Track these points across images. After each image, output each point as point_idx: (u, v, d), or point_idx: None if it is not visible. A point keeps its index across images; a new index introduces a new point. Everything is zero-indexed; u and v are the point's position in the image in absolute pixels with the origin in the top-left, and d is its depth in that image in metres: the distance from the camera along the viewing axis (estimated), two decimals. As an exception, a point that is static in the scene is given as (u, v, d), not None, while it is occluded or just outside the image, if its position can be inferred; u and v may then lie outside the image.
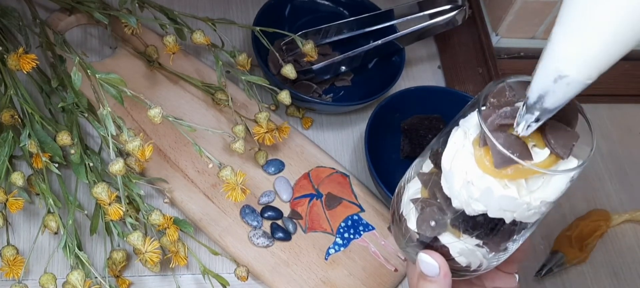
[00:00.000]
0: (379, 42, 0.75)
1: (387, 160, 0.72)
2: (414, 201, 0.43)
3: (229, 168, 0.59)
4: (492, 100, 0.40)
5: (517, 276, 0.49)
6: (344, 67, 0.77)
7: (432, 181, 0.42)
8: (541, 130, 0.39)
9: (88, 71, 0.57)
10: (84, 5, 0.71)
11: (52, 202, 0.57)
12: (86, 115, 0.63)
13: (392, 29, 0.76)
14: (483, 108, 0.40)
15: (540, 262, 0.72)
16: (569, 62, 0.35)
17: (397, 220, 0.45)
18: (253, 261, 0.63)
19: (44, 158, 0.58)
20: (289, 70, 0.69)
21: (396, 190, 0.46)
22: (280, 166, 0.70)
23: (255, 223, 0.65)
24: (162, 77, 0.73)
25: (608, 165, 0.82)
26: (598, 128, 0.84)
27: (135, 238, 0.55)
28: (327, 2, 0.80)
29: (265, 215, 0.66)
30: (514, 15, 0.77)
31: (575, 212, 0.76)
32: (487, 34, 0.80)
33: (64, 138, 0.59)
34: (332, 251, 0.66)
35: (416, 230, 0.43)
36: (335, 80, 0.79)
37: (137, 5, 0.71)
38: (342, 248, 0.66)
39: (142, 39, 0.72)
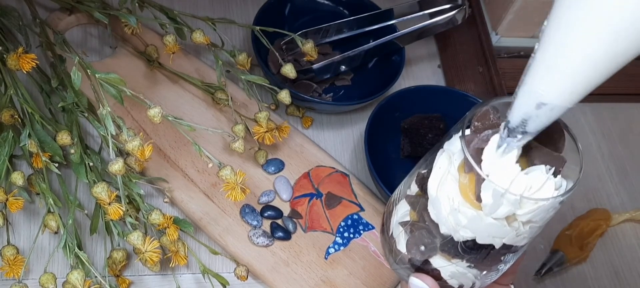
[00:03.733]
0: (379, 41, 0.75)
1: (387, 160, 0.72)
2: (403, 224, 0.42)
3: (229, 168, 0.59)
4: (476, 123, 0.39)
5: (512, 287, 0.48)
6: (344, 67, 0.77)
7: (420, 204, 0.41)
8: (527, 155, 0.38)
9: (88, 71, 0.57)
10: (84, 4, 0.71)
11: (52, 202, 0.57)
12: (86, 114, 0.63)
13: (392, 28, 0.76)
14: (467, 131, 0.39)
15: (540, 261, 0.72)
16: (550, 90, 0.34)
17: (386, 240, 0.44)
18: (253, 260, 0.63)
19: (44, 158, 0.58)
20: (288, 70, 0.69)
21: (385, 210, 0.45)
22: (280, 165, 0.70)
23: (255, 223, 0.65)
24: (162, 77, 0.73)
25: (608, 165, 0.82)
26: (599, 127, 0.84)
27: (135, 237, 0.55)
28: (327, 2, 0.80)
29: (265, 214, 0.66)
30: (514, 14, 0.77)
31: (575, 211, 0.76)
32: (487, 33, 0.80)
33: (64, 138, 0.59)
34: (332, 250, 0.66)
35: (406, 254, 0.42)
36: (335, 79, 0.79)
37: (137, 4, 0.71)
38: (342, 248, 0.66)
39: (142, 38, 0.72)
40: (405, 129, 0.75)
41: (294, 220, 0.67)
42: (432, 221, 0.39)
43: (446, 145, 0.40)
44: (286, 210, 0.67)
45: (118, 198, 0.56)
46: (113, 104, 0.59)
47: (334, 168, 0.71)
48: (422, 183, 0.40)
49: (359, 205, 0.69)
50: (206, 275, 0.59)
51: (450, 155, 0.39)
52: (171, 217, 0.59)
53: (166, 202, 0.66)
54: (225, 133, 0.67)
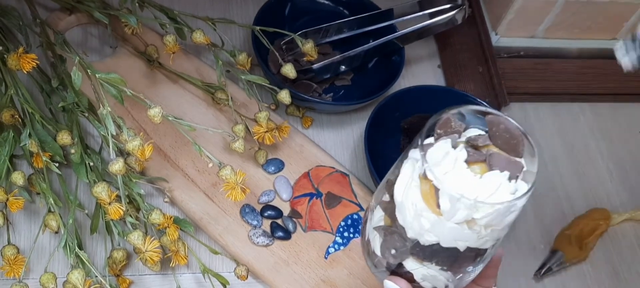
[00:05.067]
0: (379, 41, 0.75)
1: (387, 160, 0.72)
2: (377, 229, 0.44)
3: (229, 168, 0.59)
4: (438, 131, 0.41)
5: None
6: (343, 67, 0.77)
7: (390, 209, 0.42)
8: (486, 162, 0.39)
9: (88, 71, 0.57)
10: (84, 4, 0.71)
11: (52, 202, 0.57)
12: (86, 114, 0.63)
13: (392, 28, 0.76)
14: (429, 140, 0.40)
15: (540, 261, 0.72)
16: None
17: (365, 246, 0.46)
18: (253, 260, 0.63)
19: (44, 158, 0.58)
20: (288, 70, 0.69)
21: (363, 217, 0.47)
22: (280, 165, 0.70)
23: (255, 223, 0.65)
24: (162, 77, 0.73)
25: (608, 164, 0.82)
26: (598, 127, 0.84)
27: (136, 237, 0.55)
28: (327, 2, 0.80)
29: (265, 214, 0.66)
30: (514, 14, 0.77)
31: (575, 211, 0.76)
32: (487, 33, 0.80)
33: (65, 137, 0.59)
34: (332, 250, 0.66)
35: (381, 257, 0.44)
36: (335, 79, 0.79)
37: (137, 4, 0.71)
38: (342, 247, 0.66)
39: (142, 38, 0.72)
40: (405, 128, 0.75)
41: (294, 219, 0.67)
42: (401, 225, 0.41)
43: (410, 153, 0.41)
44: (286, 210, 0.67)
45: (118, 198, 0.56)
46: (113, 103, 0.59)
47: (333, 168, 0.71)
48: (390, 189, 0.42)
49: (359, 205, 0.69)
50: (206, 275, 0.60)
51: (413, 163, 0.41)
52: (171, 217, 0.59)
53: (166, 202, 0.66)
54: (225, 133, 0.67)
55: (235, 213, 0.65)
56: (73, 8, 0.73)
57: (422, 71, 0.83)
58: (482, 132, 0.41)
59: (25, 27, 0.70)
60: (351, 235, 0.67)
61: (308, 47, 0.70)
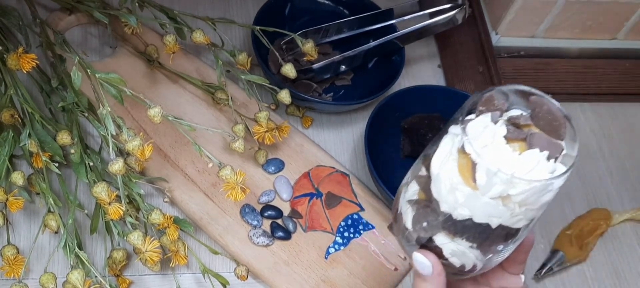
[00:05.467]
0: (379, 41, 0.75)
1: (387, 160, 0.72)
2: (410, 202, 0.44)
3: (229, 168, 0.59)
4: (481, 108, 0.41)
5: (523, 277, 0.49)
6: (344, 66, 0.77)
7: (425, 184, 0.43)
8: (526, 141, 0.39)
9: (88, 71, 0.57)
10: (84, 4, 0.71)
11: (52, 202, 0.57)
12: (86, 114, 0.63)
13: (392, 28, 0.76)
14: (470, 116, 0.41)
15: (540, 261, 0.72)
16: None
17: (397, 220, 0.46)
18: (253, 260, 0.63)
19: (44, 158, 0.58)
20: (288, 70, 0.69)
21: (397, 191, 0.47)
22: (280, 165, 0.70)
23: (255, 223, 0.65)
24: (162, 77, 0.73)
25: (609, 164, 0.82)
26: (599, 127, 0.84)
27: (136, 237, 0.55)
28: (327, 2, 0.80)
29: (265, 214, 0.66)
30: (514, 14, 0.77)
31: (575, 211, 0.76)
32: (487, 33, 0.80)
33: (64, 137, 0.59)
34: (332, 250, 0.66)
35: (412, 230, 0.44)
36: (335, 79, 0.79)
37: (137, 4, 0.71)
38: (342, 248, 0.66)
39: (142, 38, 0.72)
40: (405, 128, 0.75)
41: (294, 219, 0.67)
42: (435, 199, 0.41)
43: (451, 128, 0.42)
44: (286, 210, 0.67)
45: (118, 198, 0.56)
46: (113, 103, 0.59)
47: (334, 168, 0.71)
48: (427, 162, 0.43)
49: (359, 205, 0.69)
50: (206, 275, 0.59)
51: (453, 137, 0.41)
52: (171, 217, 0.59)
53: (166, 202, 0.66)
54: (225, 133, 0.67)
55: (235, 213, 0.65)
56: (73, 8, 0.73)
57: (422, 71, 0.83)
58: (524, 113, 0.41)
59: (25, 27, 0.70)
60: (351, 235, 0.67)
61: (308, 47, 0.70)
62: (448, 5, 0.73)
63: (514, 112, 0.41)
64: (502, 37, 0.80)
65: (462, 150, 0.39)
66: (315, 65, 0.75)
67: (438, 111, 0.74)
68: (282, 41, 0.75)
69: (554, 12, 0.77)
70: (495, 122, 0.40)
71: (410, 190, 0.45)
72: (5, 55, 0.59)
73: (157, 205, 0.64)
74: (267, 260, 0.64)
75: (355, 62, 0.77)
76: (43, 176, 0.59)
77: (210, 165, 0.59)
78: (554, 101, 0.41)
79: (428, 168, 0.42)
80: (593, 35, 0.82)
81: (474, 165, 0.38)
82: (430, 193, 0.42)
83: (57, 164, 0.59)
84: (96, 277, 0.55)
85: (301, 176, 0.70)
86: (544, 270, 0.71)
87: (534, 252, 0.73)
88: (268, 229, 0.65)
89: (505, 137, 0.39)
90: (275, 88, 0.70)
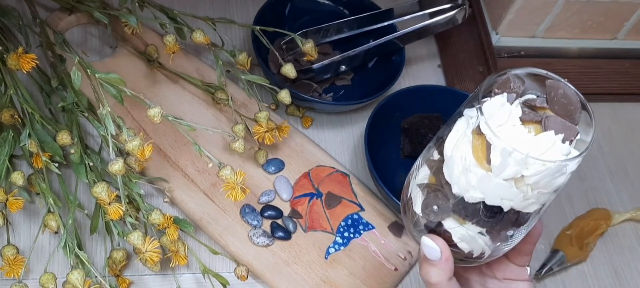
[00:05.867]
0: (379, 41, 0.75)
1: (387, 160, 0.72)
2: (420, 186, 0.44)
3: (229, 168, 0.59)
4: (496, 91, 0.41)
5: (528, 268, 0.49)
6: (344, 66, 0.77)
7: (437, 167, 0.43)
8: (542, 123, 0.40)
9: (88, 70, 0.57)
10: (84, 4, 0.71)
11: (52, 202, 0.57)
12: (86, 114, 0.63)
13: (392, 28, 0.76)
14: (486, 100, 0.41)
15: (540, 260, 0.72)
16: None
17: (406, 205, 0.46)
18: (253, 260, 0.63)
19: (44, 158, 0.58)
20: (288, 70, 0.69)
21: (407, 177, 0.47)
22: (280, 165, 0.70)
23: (255, 223, 0.65)
24: (162, 77, 0.73)
25: (609, 164, 0.82)
26: (599, 127, 0.84)
27: (136, 237, 0.55)
28: (327, 1, 0.80)
29: (265, 214, 0.66)
30: (514, 13, 0.77)
31: (575, 211, 0.76)
32: (487, 33, 0.80)
33: (64, 137, 0.59)
34: (332, 250, 0.66)
35: (421, 215, 0.44)
36: (335, 79, 0.79)
37: (137, 4, 0.71)
38: (342, 248, 0.66)
39: (142, 38, 0.72)
40: (405, 128, 0.75)
41: (294, 220, 0.67)
42: (446, 182, 0.41)
43: (465, 111, 0.42)
44: (286, 210, 0.67)
45: (118, 198, 0.56)
46: (113, 103, 0.59)
47: (334, 168, 0.71)
48: (440, 145, 0.43)
49: (359, 205, 0.69)
50: (206, 275, 0.59)
51: (467, 119, 0.41)
52: (171, 217, 0.59)
53: (166, 202, 0.66)
54: (225, 133, 0.67)
55: (235, 213, 0.65)
56: (73, 8, 0.73)
57: (422, 71, 0.83)
58: (540, 96, 0.41)
59: (25, 27, 0.70)
60: (351, 235, 0.67)
61: (308, 46, 0.70)
62: (448, 5, 0.73)
63: (529, 96, 0.41)
64: (502, 37, 0.80)
65: (477, 132, 0.39)
66: (315, 65, 0.75)
67: (438, 111, 0.74)
68: (282, 41, 0.75)
69: (554, 12, 0.77)
70: (511, 103, 0.40)
71: (420, 174, 0.45)
72: (5, 55, 0.59)
73: (157, 205, 0.64)
74: (267, 260, 0.64)
75: (355, 62, 0.77)
76: (43, 176, 0.59)
77: (210, 165, 0.59)
78: (570, 85, 0.41)
79: (441, 152, 0.42)
80: (593, 35, 0.82)
81: (488, 146, 0.39)
82: (442, 177, 0.42)
83: (57, 164, 0.59)
84: (96, 277, 0.55)
85: (301, 176, 0.70)
86: (544, 270, 0.71)
87: (534, 252, 0.73)
88: (268, 229, 0.65)
89: (520, 118, 0.39)
90: (275, 88, 0.70)
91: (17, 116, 0.60)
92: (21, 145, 0.59)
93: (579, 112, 0.40)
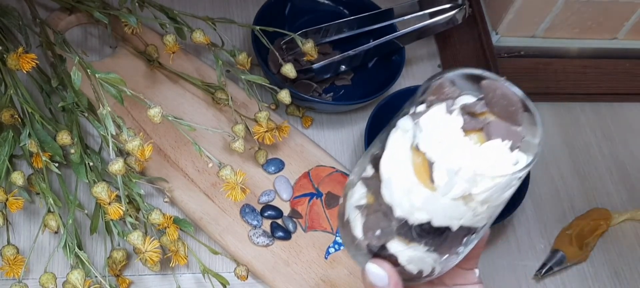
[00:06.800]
0: (379, 41, 0.75)
1: (387, 159, 0.72)
2: (359, 207, 0.40)
3: (229, 168, 0.59)
4: (431, 98, 0.37)
5: (477, 271, 0.46)
6: (344, 66, 0.77)
7: (374, 186, 0.39)
8: (483, 130, 0.36)
9: (88, 70, 0.57)
10: (84, 4, 0.71)
11: (52, 202, 0.57)
12: (86, 114, 0.63)
13: (392, 28, 0.76)
14: (420, 108, 0.37)
15: (540, 260, 0.72)
16: None
17: (344, 227, 0.42)
18: (253, 260, 0.63)
19: (44, 158, 0.58)
20: (288, 69, 0.69)
21: (343, 194, 0.42)
22: (280, 165, 0.69)
23: (255, 223, 0.65)
24: (162, 77, 0.73)
25: (609, 164, 0.81)
26: (599, 127, 0.84)
27: (135, 237, 0.55)
28: (327, 1, 0.80)
29: (265, 214, 0.66)
30: (514, 13, 0.77)
31: (575, 211, 0.76)
32: (487, 33, 0.80)
33: (64, 137, 0.59)
34: (332, 250, 0.66)
35: (362, 239, 0.40)
36: (336, 79, 0.79)
37: (137, 4, 0.71)
38: (342, 247, 0.66)
39: (142, 38, 0.72)
40: (405, 128, 0.75)
41: (294, 219, 0.67)
42: (387, 203, 0.37)
43: (399, 122, 0.38)
44: (286, 209, 0.67)
45: (118, 198, 0.56)
46: (113, 103, 0.59)
47: (334, 168, 0.71)
48: (376, 162, 0.38)
49: (359, 205, 0.69)
50: (206, 275, 0.59)
51: (403, 132, 0.37)
52: (171, 217, 0.59)
53: (166, 202, 0.66)
54: (225, 133, 0.67)
55: (235, 213, 0.65)
56: (73, 8, 0.73)
57: (422, 71, 0.83)
58: (477, 99, 0.37)
59: (25, 27, 0.70)
60: (351, 235, 0.67)
61: (308, 46, 0.70)
62: (448, 5, 0.73)
63: (467, 98, 0.37)
64: (502, 37, 0.80)
65: (416, 148, 0.35)
66: (315, 65, 0.75)
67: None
68: (282, 41, 0.75)
69: (554, 12, 0.77)
70: (451, 113, 0.36)
71: (356, 193, 0.40)
72: (5, 55, 0.59)
73: (157, 205, 0.64)
74: (267, 260, 0.64)
75: (355, 62, 0.77)
76: (43, 176, 0.59)
77: (210, 165, 0.59)
78: (507, 83, 0.37)
79: (376, 169, 0.38)
80: (593, 35, 0.82)
81: (430, 163, 0.35)
82: (381, 197, 0.38)
83: (57, 164, 0.59)
84: (96, 277, 0.55)
85: (301, 176, 0.70)
86: (544, 270, 0.71)
87: (534, 251, 0.73)
88: (268, 229, 0.65)
89: (462, 128, 0.36)
90: (275, 88, 0.70)
91: (17, 116, 0.60)
92: (21, 145, 0.59)
93: (521, 112, 0.36)
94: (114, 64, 0.72)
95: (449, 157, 0.34)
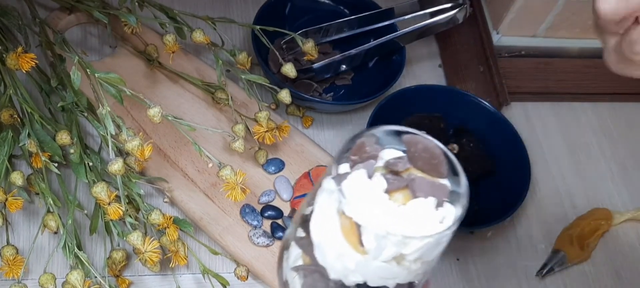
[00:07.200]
0: (380, 40, 0.75)
1: (387, 159, 0.72)
2: (296, 269, 0.40)
3: (229, 168, 0.59)
4: (353, 157, 0.37)
5: None
6: (344, 66, 0.77)
7: (308, 247, 0.38)
8: (408, 188, 0.36)
9: (87, 70, 0.57)
10: (84, 4, 0.71)
11: (51, 202, 0.57)
12: (86, 114, 0.63)
13: (392, 28, 0.76)
14: (344, 167, 0.37)
15: (541, 261, 0.72)
16: None
17: (283, 286, 0.42)
18: (253, 260, 0.63)
19: (43, 158, 0.58)
20: (289, 69, 0.69)
21: (278, 254, 0.43)
22: (280, 165, 0.69)
23: (255, 223, 0.65)
24: (162, 76, 0.73)
25: (609, 164, 0.81)
26: (599, 126, 0.84)
27: (135, 237, 0.55)
28: (327, 1, 0.80)
29: (266, 214, 0.66)
30: (515, 13, 0.77)
31: (576, 211, 0.76)
32: (488, 32, 0.80)
33: (64, 137, 0.59)
34: (332, 250, 0.66)
35: None
36: (336, 79, 0.78)
37: (136, 4, 0.70)
38: (342, 248, 0.66)
39: (142, 37, 0.72)
40: (405, 128, 0.74)
41: (294, 220, 0.66)
42: (321, 265, 0.38)
43: (325, 183, 0.37)
44: (286, 210, 0.67)
45: (118, 198, 0.56)
46: (113, 103, 0.58)
47: (334, 168, 0.71)
48: (305, 226, 0.38)
49: (360, 205, 0.69)
50: (206, 275, 0.59)
51: (329, 194, 0.36)
52: (171, 217, 0.58)
53: (166, 202, 0.66)
54: (225, 133, 0.67)
55: (235, 213, 0.65)
56: (72, 7, 0.73)
57: (422, 70, 0.83)
58: (400, 153, 0.37)
59: (24, 27, 0.69)
60: (352, 236, 0.67)
61: (308, 46, 0.70)
62: (449, 5, 0.73)
63: (389, 152, 0.37)
64: (503, 37, 0.80)
65: (343, 213, 0.35)
66: (315, 65, 0.75)
67: (439, 111, 0.74)
68: (282, 41, 0.75)
69: (555, 12, 0.77)
70: (371, 176, 0.36)
71: (292, 255, 0.40)
72: (4, 55, 0.59)
73: (157, 205, 0.64)
74: (267, 260, 0.64)
75: (355, 62, 0.77)
76: (42, 176, 0.59)
77: (210, 165, 0.59)
78: (428, 137, 0.37)
79: (307, 232, 0.38)
80: (593, 34, 0.82)
81: (358, 227, 0.34)
82: (315, 258, 0.37)
83: (56, 164, 0.59)
84: (96, 277, 0.55)
85: (301, 176, 0.69)
86: (545, 270, 0.71)
87: (534, 252, 0.73)
88: (268, 229, 0.65)
89: (385, 191, 0.36)
90: (275, 88, 0.70)
91: (16, 116, 0.60)
92: (20, 145, 0.59)
93: (444, 165, 0.36)
94: (114, 64, 0.72)
95: (376, 222, 0.34)
